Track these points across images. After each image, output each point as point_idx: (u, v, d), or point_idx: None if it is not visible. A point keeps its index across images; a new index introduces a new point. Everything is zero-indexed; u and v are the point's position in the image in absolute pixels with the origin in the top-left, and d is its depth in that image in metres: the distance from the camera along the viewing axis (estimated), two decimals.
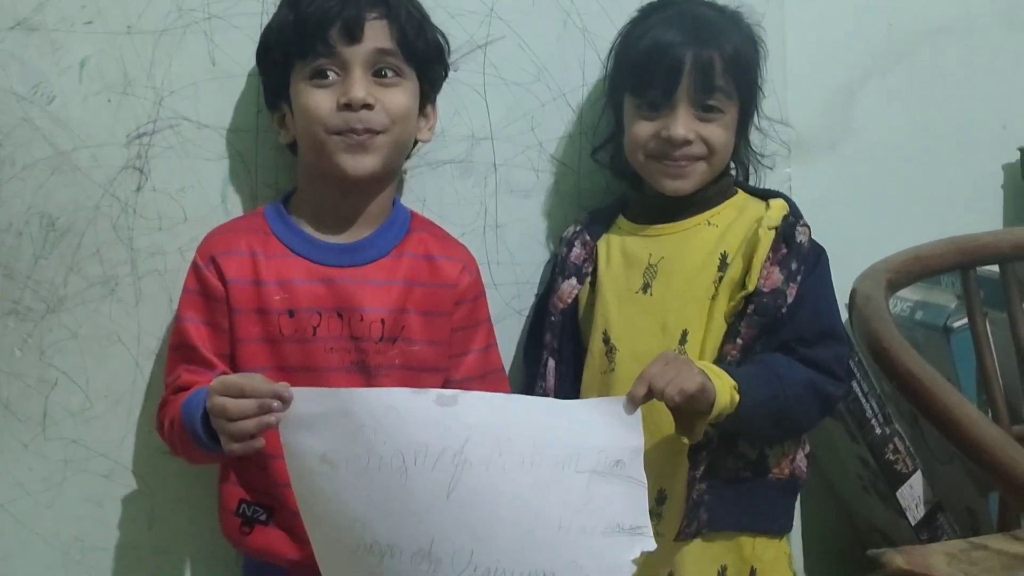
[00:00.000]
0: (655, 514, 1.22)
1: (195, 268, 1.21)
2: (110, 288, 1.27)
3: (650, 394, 1.05)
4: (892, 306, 1.79)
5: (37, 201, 1.25)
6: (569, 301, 1.32)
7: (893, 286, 1.46)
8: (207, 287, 1.19)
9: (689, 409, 1.10)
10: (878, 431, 1.65)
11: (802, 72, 1.70)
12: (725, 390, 1.12)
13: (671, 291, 1.26)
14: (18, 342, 1.26)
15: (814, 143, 1.86)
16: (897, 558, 1.39)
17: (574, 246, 1.34)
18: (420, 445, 0.99)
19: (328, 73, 1.16)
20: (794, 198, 1.42)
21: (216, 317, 1.19)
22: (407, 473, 0.98)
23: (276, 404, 1.01)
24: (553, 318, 1.32)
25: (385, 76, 1.18)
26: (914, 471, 1.67)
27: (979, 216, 1.77)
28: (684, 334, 1.24)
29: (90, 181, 1.26)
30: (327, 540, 1.04)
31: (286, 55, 1.19)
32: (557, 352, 1.32)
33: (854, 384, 1.63)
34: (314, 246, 1.22)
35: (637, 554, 1.00)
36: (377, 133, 1.17)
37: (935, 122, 1.91)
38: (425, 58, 1.22)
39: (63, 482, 1.30)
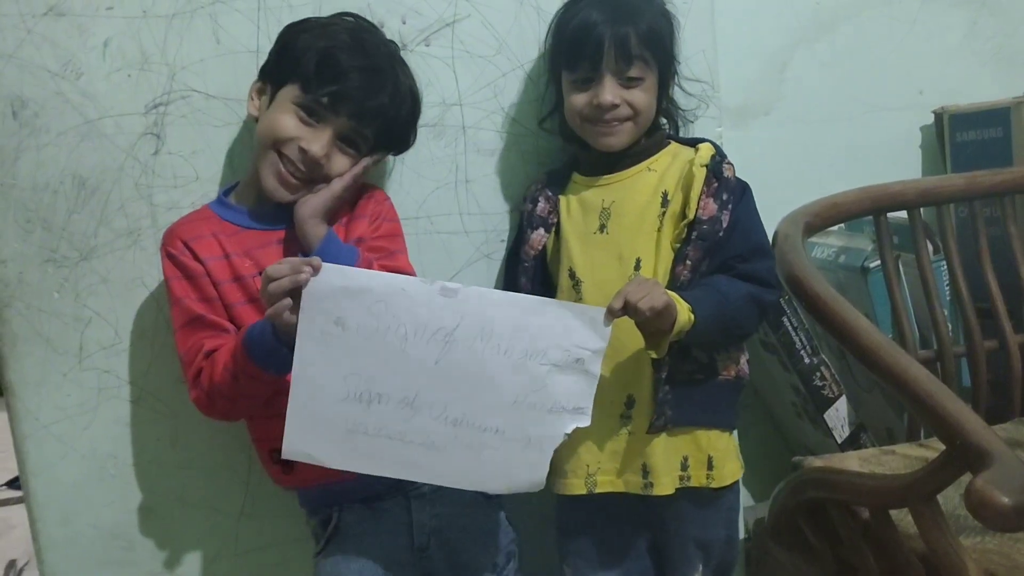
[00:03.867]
0: (625, 416, 1.40)
1: (170, 257, 1.32)
2: (134, 239, 1.40)
3: (625, 309, 1.22)
4: (819, 252, 1.98)
5: (70, 164, 1.37)
6: (539, 248, 1.45)
7: (811, 228, 1.63)
8: (187, 269, 1.31)
9: (655, 328, 1.27)
10: (807, 361, 1.82)
11: (738, 46, 1.86)
12: (684, 311, 1.28)
13: (623, 228, 1.41)
14: (56, 286, 1.38)
15: (750, 110, 2.04)
16: (816, 461, 1.60)
17: (538, 201, 1.47)
18: (421, 322, 1.19)
19: None
20: (731, 159, 1.56)
21: (206, 291, 1.31)
22: (406, 341, 1.19)
23: (307, 269, 1.16)
24: (526, 264, 1.45)
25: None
26: (839, 396, 1.85)
27: (900, 173, 1.90)
28: (638, 262, 1.39)
29: (114, 146, 1.38)
30: (312, 394, 1.20)
31: None
32: (530, 294, 1.42)
33: (784, 319, 1.82)
34: (261, 218, 1.36)
35: (571, 428, 1.23)
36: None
37: (859, 89, 2.08)
38: None
39: (97, 407, 1.42)
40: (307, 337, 1.18)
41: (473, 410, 1.21)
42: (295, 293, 1.18)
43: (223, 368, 1.25)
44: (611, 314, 1.22)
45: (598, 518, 1.47)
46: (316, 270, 1.17)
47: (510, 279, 1.51)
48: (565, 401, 1.22)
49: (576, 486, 1.43)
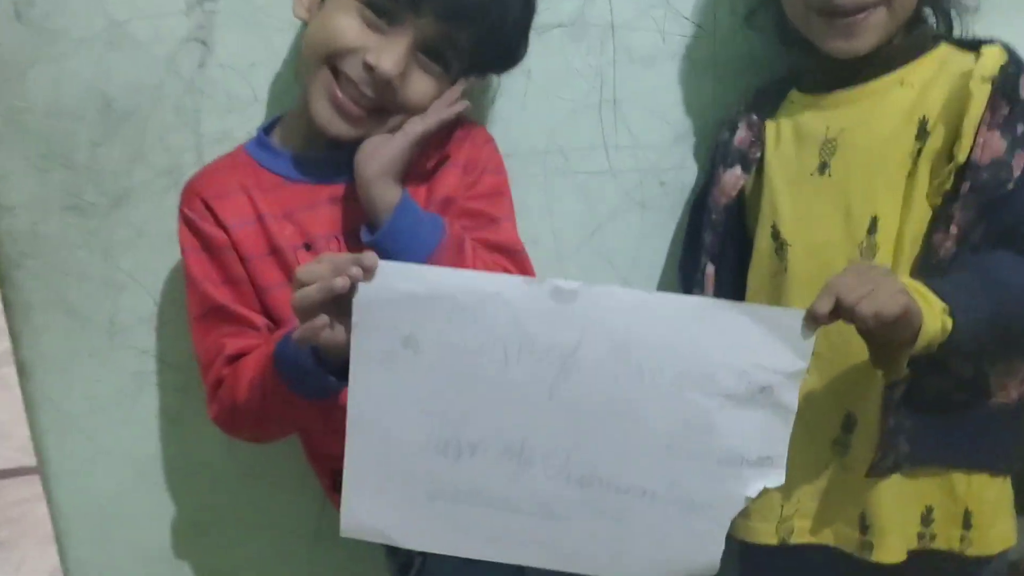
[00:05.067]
0: (841, 443, 1.12)
1: (186, 221, 1.09)
2: (175, 179, 1.17)
3: (837, 312, 0.90)
4: None
5: (94, 81, 1.14)
6: (733, 194, 1.18)
7: None
8: (207, 238, 1.08)
9: (887, 339, 0.93)
10: None
11: None
12: (935, 315, 0.94)
13: (855, 169, 1.10)
14: (81, 240, 1.18)
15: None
16: None
17: (738, 129, 1.19)
18: (526, 339, 0.93)
19: None
20: None
21: (230, 270, 1.08)
22: (507, 366, 0.94)
23: (354, 269, 0.89)
24: (714, 215, 1.19)
25: None
26: None
27: None
28: (873, 222, 1.09)
29: (149, 56, 1.16)
30: (376, 445, 0.96)
31: None
32: (718, 256, 1.19)
33: None
34: (310, 167, 1.10)
35: (758, 489, 0.94)
36: None
37: None
38: None
39: (135, 395, 1.24)
40: (364, 365, 0.93)
41: (607, 462, 0.95)
42: (340, 302, 0.90)
43: (249, 385, 1.03)
44: (814, 321, 0.90)
45: None
46: (368, 271, 0.89)
47: (692, 236, 1.27)
48: (745, 448, 0.93)
49: (764, 532, 1.16)
